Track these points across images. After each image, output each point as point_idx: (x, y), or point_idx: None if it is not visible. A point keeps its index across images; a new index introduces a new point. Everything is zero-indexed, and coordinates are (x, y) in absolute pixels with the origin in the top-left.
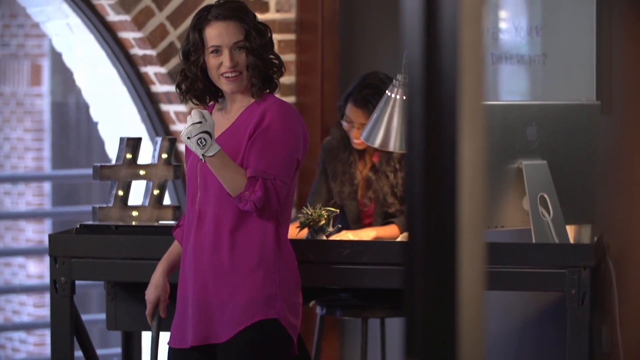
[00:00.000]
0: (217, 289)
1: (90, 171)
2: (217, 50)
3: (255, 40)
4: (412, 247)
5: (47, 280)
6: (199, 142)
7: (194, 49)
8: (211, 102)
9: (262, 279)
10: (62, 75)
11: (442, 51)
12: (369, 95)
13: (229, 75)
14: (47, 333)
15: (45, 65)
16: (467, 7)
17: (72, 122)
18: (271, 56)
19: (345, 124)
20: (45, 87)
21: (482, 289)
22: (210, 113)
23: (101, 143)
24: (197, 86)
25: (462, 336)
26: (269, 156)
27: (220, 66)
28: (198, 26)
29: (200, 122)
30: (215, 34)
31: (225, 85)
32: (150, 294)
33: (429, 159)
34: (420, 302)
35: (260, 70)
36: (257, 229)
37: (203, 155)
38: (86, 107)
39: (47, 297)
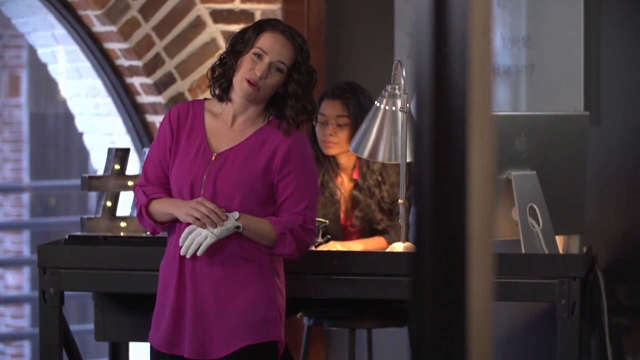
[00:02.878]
0: (217, 298)
1: (69, 182)
2: (259, 56)
3: (303, 75)
4: (420, 258)
5: (25, 291)
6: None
7: (244, 43)
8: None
9: (263, 290)
10: (41, 85)
11: (451, 63)
12: (342, 89)
13: (252, 82)
14: (25, 344)
15: (24, 76)
16: (477, 18)
17: (50, 132)
18: (309, 98)
19: (317, 126)
20: (23, 98)
21: (491, 300)
22: (202, 110)
23: (80, 154)
24: (229, 75)
25: (471, 347)
26: (301, 201)
27: (251, 70)
28: (260, 27)
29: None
30: (270, 42)
31: (242, 90)
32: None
33: (438, 170)
34: (429, 313)
35: (300, 100)
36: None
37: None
38: (65, 117)
39: (26, 309)
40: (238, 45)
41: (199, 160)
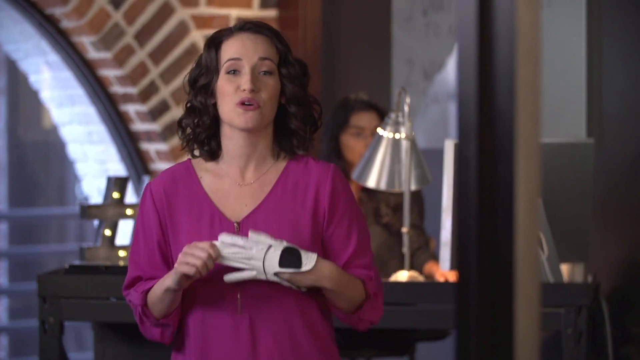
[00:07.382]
0: None
1: (48, 211)
2: (234, 70)
3: (294, 67)
4: (466, 289)
5: (3, 322)
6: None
7: (205, 71)
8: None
9: None
10: (21, 112)
11: (497, 90)
12: (369, 102)
13: (246, 102)
14: None
15: (2, 102)
16: (523, 45)
17: (29, 160)
18: (311, 98)
19: (349, 137)
20: (1, 124)
21: (538, 331)
22: (193, 171)
23: (60, 181)
24: (204, 122)
25: None
26: (366, 251)
27: (236, 91)
28: (215, 41)
29: (269, 245)
30: (237, 46)
31: (238, 117)
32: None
33: (483, 199)
34: (475, 343)
35: (303, 105)
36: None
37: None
38: (44, 144)
39: (3, 340)
40: (200, 78)
41: (217, 235)
